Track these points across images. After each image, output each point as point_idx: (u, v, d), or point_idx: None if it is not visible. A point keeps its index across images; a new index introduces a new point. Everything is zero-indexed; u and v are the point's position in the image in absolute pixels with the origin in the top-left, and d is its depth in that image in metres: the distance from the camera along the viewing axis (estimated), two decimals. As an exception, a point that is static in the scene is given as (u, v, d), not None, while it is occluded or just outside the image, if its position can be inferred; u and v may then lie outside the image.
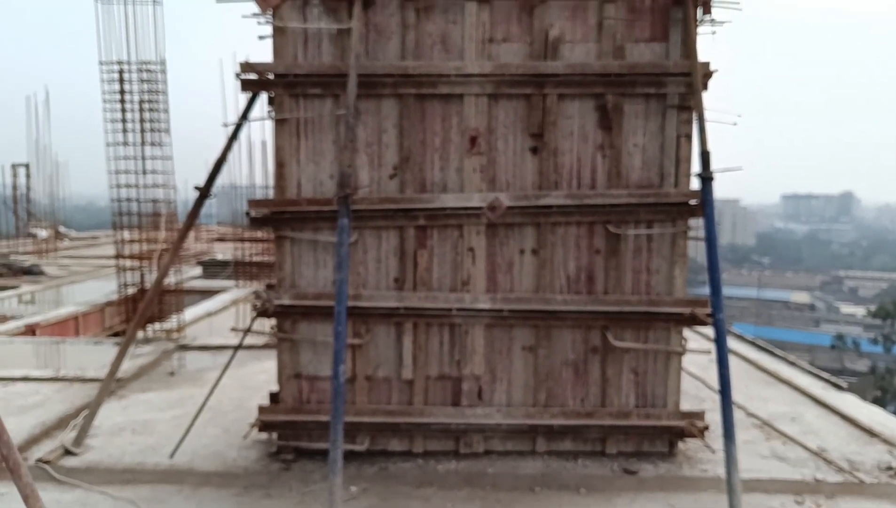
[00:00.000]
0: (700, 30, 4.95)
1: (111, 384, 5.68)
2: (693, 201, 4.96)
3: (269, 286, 5.34)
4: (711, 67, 4.81)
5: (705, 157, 4.59)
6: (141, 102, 7.76)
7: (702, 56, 4.78)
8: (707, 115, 4.70)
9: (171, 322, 9.06)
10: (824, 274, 75.40)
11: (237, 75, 4.90)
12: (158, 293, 5.82)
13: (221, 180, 5.49)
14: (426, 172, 5.07)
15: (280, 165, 5.02)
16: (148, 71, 7.65)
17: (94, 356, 8.24)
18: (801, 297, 61.04)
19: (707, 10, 4.83)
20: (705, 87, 4.83)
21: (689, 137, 4.99)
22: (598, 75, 4.90)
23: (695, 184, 4.88)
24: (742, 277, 69.53)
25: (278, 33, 4.90)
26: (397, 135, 5.02)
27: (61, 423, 5.81)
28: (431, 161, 5.07)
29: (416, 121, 5.01)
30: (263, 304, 5.01)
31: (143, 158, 7.97)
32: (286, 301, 5.03)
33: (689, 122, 4.96)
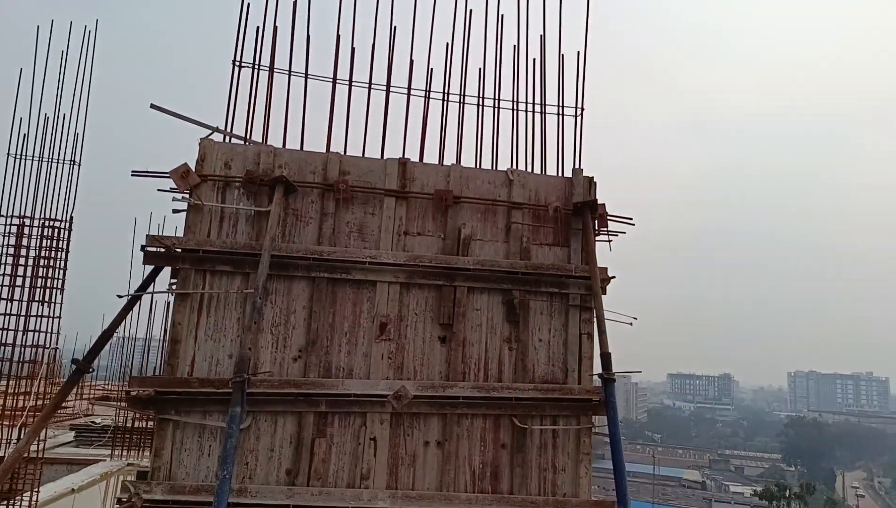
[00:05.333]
0: (599, 238, 5.40)
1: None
2: (596, 398, 5.05)
3: (141, 476, 4.73)
4: (609, 273, 5.19)
5: (606, 358, 4.76)
6: (38, 257, 7.26)
7: (601, 261, 5.18)
8: (606, 315, 4.97)
9: (23, 501, 7.75)
10: (711, 452, 78.34)
11: (142, 247, 4.70)
12: (16, 465, 4.97)
13: (117, 331, 5.01)
14: (332, 355, 4.92)
15: (175, 341, 4.71)
16: (52, 228, 7.26)
17: None
18: (693, 475, 62.74)
19: (603, 224, 5.30)
20: (604, 290, 5.16)
21: (590, 335, 5.21)
22: (505, 272, 5.14)
23: (597, 381, 5.01)
24: (637, 452, 71.25)
25: (194, 210, 4.85)
26: (306, 317, 4.92)
27: None
28: (339, 345, 4.95)
29: (327, 304, 4.95)
30: (130, 499, 4.40)
31: (28, 317, 7.28)
32: (158, 496, 4.44)
33: (590, 321, 5.20)
